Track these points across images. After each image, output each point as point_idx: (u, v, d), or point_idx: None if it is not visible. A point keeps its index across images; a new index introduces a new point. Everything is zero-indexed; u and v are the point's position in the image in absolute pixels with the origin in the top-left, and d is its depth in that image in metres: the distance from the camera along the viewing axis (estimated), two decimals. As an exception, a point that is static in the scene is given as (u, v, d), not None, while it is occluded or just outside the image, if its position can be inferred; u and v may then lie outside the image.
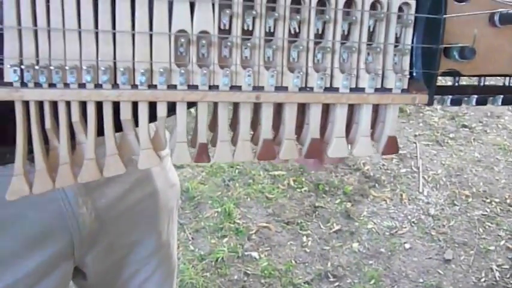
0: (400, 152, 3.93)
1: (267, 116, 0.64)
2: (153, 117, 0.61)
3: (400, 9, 0.63)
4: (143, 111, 0.60)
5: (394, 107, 0.66)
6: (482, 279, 2.98)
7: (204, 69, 0.59)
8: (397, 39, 0.64)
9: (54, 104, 0.58)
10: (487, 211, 3.55)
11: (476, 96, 0.69)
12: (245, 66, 0.61)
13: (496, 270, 3.04)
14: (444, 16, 0.62)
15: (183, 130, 0.62)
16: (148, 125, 0.61)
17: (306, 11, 0.61)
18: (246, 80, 0.60)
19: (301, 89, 0.62)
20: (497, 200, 3.66)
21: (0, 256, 0.87)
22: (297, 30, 0.62)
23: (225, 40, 0.60)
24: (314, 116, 0.65)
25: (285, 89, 0.62)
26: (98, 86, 0.57)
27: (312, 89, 0.63)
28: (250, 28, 0.60)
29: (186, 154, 0.63)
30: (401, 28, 0.64)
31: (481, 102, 0.69)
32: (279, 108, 0.65)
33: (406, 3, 0.63)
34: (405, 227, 3.39)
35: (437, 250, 3.20)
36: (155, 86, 0.59)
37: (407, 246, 3.23)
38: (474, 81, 0.70)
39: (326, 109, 0.67)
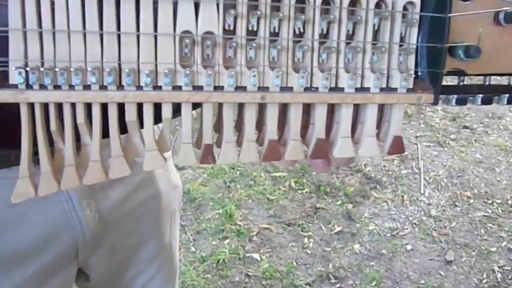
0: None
1: (272, 116, 0.63)
2: (157, 119, 0.61)
3: (405, 8, 0.63)
4: (148, 113, 0.60)
5: (399, 106, 0.66)
6: (484, 281, 2.97)
7: (209, 70, 0.59)
8: (402, 39, 0.64)
9: (59, 106, 0.58)
10: (488, 212, 3.55)
11: (481, 95, 0.69)
12: (250, 66, 0.61)
13: (498, 271, 3.04)
14: (449, 15, 0.62)
15: (188, 131, 0.62)
16: (153, 126, 0.61)
17: (310, 11, 0.61)
18: (251, 80, 0.60)
19: (306, 89, 0.62)
20: (498, 201, 3.65)
21: (5, 258, 0.87)
22: (302, 30, 0.62)
23: (229, 41, 0.60)
24: (319, 116, 0.65)
25: (290, 89, 0.62)
26: (102, 87, 0.57)
27: (317, 89, 0.63)
28: (255, 28, 0.60)
29: (191, 155, 0.63)
30: (406, 27, 0.64)
31: (486, 101, 0.69)
32: (284, 108, 0.65)
33: (411, 2, 0.62)
34: (406, 228, 3.39)
35: (438, 251, 3.19)
36: (160, 87, 0.59)
37: (408, 247, 3.23)
38: (478, 80, 0.70)
39: (331, 109, 0.67)
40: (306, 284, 2.93)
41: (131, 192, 1.04)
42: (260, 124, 0.67)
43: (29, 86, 0.55)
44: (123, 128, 0.61)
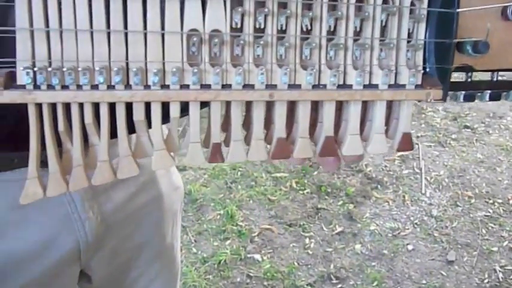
0: (402, 153, 3.95)
1: (280, 114, 0.63)
2: (165, 118, 0.60)
3: (412, 4, 0.63)
4: (156, 112, 0.59)
5: (408, 103, 0.65)
6: (486, 280, 2.98)
7: (217, 68, 0.58)
8: (409, 35, 0.64)
9: (67, 106, 0.57)
10: (489, 212, 3.55)
11: (489, 91, 0.68)
12: (258, 64, 0.60)
13: (499, 271, 3.04)
14: (457, 10, 0.62)
15: (197, 130, 0.62)
16: (161, 126, 0.61)
17: (317, 8, 0.60)
18: (259, 78, 0.60)
19: (314, 87, 0.62)
20: (500, 200, 3.66)
21: (8, 260, 0.87)
22: (309, 28, 0.61)
23: (237, 38, 0.60)
24: (328, 113, 0.64)
25: (298, 86, 0.62)
26: (110, 87, 0.57)
27: (325, 86, 0.62)
28: (262, 26, 0.60)
29: (200, 154, 0.62)
30: (413, 23, 0.64)
31: (494, 97, 0.68)
32: (292, 106, 0.65)
33: None
34: (408, 229, 3.39)
35: (440, 251, 3.20)
36: (168, 86, 0.58)
37: (410, 247, 3.23)
38: (485, 76, 0.70)
39: (339, 107, 0.66)
40: (307, 285, 2.93)
41: (133, 194, 1.04)
42: (268, 122, 0.66)
43: (36, 87, 0.55)
44: (130, 128, 0.61)
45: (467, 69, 0.67)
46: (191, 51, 0.59)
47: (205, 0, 0.57)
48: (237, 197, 3.60)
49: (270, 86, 0.61)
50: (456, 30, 0.63)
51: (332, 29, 0.62)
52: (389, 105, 0.67)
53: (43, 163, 0.59)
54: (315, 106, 0.66)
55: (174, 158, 0.64)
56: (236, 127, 0.63)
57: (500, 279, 2.98)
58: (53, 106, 0.57)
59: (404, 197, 3.69)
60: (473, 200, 3.67)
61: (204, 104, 0.61)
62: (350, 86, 0.63)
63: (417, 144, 4.33)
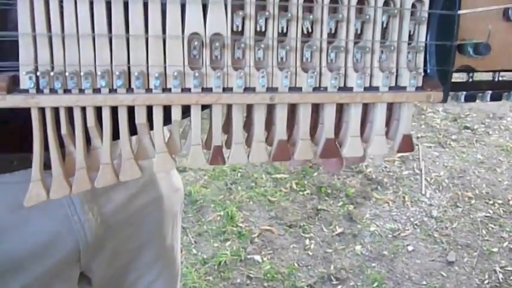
0: (402, 154, 3.95)
1: (281, 117, 0.63)
2: (167, 120, 0.61)
3: (413, 6, 0.63)
4: (158, 115, 0.60)
5: (408, 105, 0.66)
6: (486, 281, 2.98)
7: (218, 72, 0.59)
8: (410, 37, 0.64)
9: (69, 110, 0.58)
10: (490, 213, 3.56)
11: (490, 92, 0.68)
12: (259, 67, 0.60)
13: (500, 272, 3.05)
14: (458, 12, 0.62)
15: (198, 133, 0.62)
16: (163, 128, 0.61)
17: (318, 10, 0.61)
18: (260, 81, 0.60)
19: (315, 89, 0.62)
20: (500, 201, 3.66)
21: (8, 262, 0.87)
22: (310, 30, 0.61)
23: (238, 42, 0.60)
24: (328, 115, 0.64)
25: (299, 89, 0.62)
26: (112, 90, 0.57)
27: (326, 88, 0.62)
28: (263, 29, 0.60)
29: (201, 157, 0.63)
30: (414, 25, 0.64)
31: (495, 97, 0.69)
32: (292, 108, 0.65)
33: (419, 0, 0.62)
34: (408, 229, 3.40)
35: (440, 252, 3.20)
36: (169, 90, 0.58)
37: (410, 248, 3.24)
38: (486, 76, 0.70)
39: (340, 108, 0.67)
40: (307, 286, 2.94)
41: (133, 195, 1.04)
42: (269, 124, 0.66)
43: (39, 91, 0.55)
44: (132, 130, 0.61)
45: (469, 70, 0.67)
46: (192, 54, 0.59)
47: (206, 3, 0.58)
48: (237, 198, 3.60)
49: (271, 89, 0.61)
50: (457, 32, 0.63)
51: (333, 32, 0.62)
52: (390, 107, 0.67)
53: (45, 165, 0.59)
54: (316, 108, 0.66)
55: (175, 160, 0.64)
56: (237, 129, 0.63)
57: (501, 280, 2.98)
58: (56, 110, 0.57)
59: (404, 197, 3.69)
60: (473, 201, 3.67)
61: (205, 106, 0.61)
62: (351, 89, 0.63)
63: (417, 145, 4.33)
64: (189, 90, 0.59)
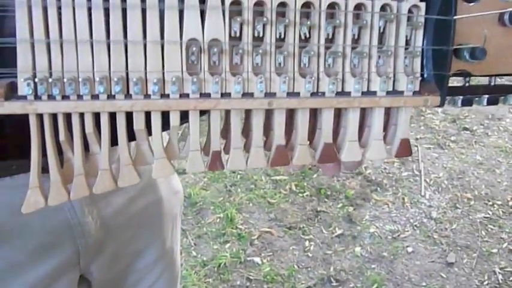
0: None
1: (279, 122, 0.64)
2: (165, 125, 0.61)
3: (410, 11, 0.63)
4: (156, 121, 0.60)
5: (406, 109, 0.66)
6: (485, 282, 2.98)
7: (216, 77, 0.59)
8: (407, 42, 0.64)
9: (67, 116, 0.58)
10: (489, 214, 3.55)
11: (487, 96, 0.69)
12: (257, 73, 0.61)
13: (499, 273, 3.04)
14: (454, 17, 0.62)
15: (196, 138, 0.62)
16: (162, 133, 0.61)
17: (316, 16, 0.61)
18: (258, 86, 0.60)
19: (313, 94, 0.62)
20: (499, 202, 3.66)
21: (8, 266, 0.87)
22: (308, 36, 0.62)
23: (236, 47, 0.60)
24: (326, 120, 0.65)
25: (297, 94, 0.62)
26: (111, 96, 0.57)
27: (323, 93, 0.63)
28: (261, 35, 0.60)
29: (199, 162, 0.63)
30: (411, 30, 0.64)
31: (492, 102, 0.69)
32: (291, 113, 0.65)
33: (416, 5, 0.63)
34: (407, 231, 3.39)
35: (439, 253, 3.20)
36: (168, 96, 0.59)
37: (409, 249, 3.23)
38: (482, 81, 0.70)
39: (338, 113, 0.67)
40: (307, 287, 2.93)
41: (133, 198, 1.04)
42: (267, 129, 0.67)
43: (37, 97, 0.55)
44: (130, 136, 0.61)
45: (465, 74, 0.67)
46: (190, 60, 0.59)
47: (204, 9, 0.58)
48: (237, 200, 3.60)
49: (269, 94, 0.61)
50: (453, 37, 0.63)
51: (330, 37, 0.63)
52: (388, 111, 0.67)
53: (43, 169, 0.59)
54: (314, 113, 0.66)
55: (174, 166, 0.64)
56: (236, 135, 0.63)
57: (500, 281, 2.98)
58: (54, 116, 0.57)
59: (403, 199, 3.69)
60: (472, 202, 3.67)
61: (204, 111, 0.61)
62: (348, 93, 0.63)
63: (416, 146, 4.33)
64: (187, 95, 0.59)
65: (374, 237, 3.32)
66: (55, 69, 0.55)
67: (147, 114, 0.60)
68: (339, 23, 0.61)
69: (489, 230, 3.40)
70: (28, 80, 0.54)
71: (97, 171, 0.61)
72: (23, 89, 0.55)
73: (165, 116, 0.60)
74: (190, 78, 0.58)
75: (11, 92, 0.55)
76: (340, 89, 0.63)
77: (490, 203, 3.66)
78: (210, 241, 3.23)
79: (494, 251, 3.21)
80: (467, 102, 0.68)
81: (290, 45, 0.61)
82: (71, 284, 0.99)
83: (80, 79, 0.56)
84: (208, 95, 0.60)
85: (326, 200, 3.63)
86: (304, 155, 0.66)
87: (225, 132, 0.67)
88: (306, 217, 3.47)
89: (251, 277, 2.98)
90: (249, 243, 3.23)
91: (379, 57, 0.64)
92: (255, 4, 0.59)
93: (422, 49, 0.65)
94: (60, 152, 0.60)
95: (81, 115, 0.58)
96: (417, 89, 0.65)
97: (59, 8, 0.54)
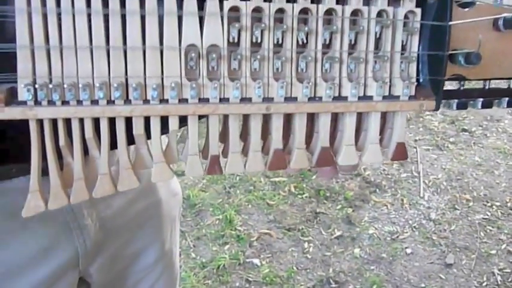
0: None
1: (277, 126, 0.64)
2: (164, 128, 0.61)
3: (406, 17, 0.64)
4: (155, 126, 0.60)
5: (402, 113, 0.67)
6: (484, 283, 2.98)
7: (215, 83, 0.59)
8: (403, 47, 0.65)
9: (67, 121, 0.58)
10: (488, 215, 3.56)
11: (481, 99, 0.70)
12: (255, 78, 0.61)
13: (498, 274, 3.05)
14: (450, 23, 0.63)
15: (195, 143, 0.63)
16: (161, 137, 0.62)
17: (313, 22, 0.61)
18: (256, 91, 0.61)
19: (310, 99, 0.63)
20: (498, 203, 3.67)
21: (7, 268, 0.87)
22: (305, 41, 0.62)
23: (234, 53, 0.60)
24: (323, 125, 0.65)
25: (295, 99, 0.63)
26: (110, 102, 0.58)
27: (321, 98, 0.63)
28: (259, 40, 0.61)
29: (198, 166, 0.63)
30: (407, 36, 0.65)
31: (486, 105, 0.70)
32: (288, 118, 0.66)
33: (412, 11, 0.63)
34: (406, 232, 3.40)
35: (438, 255, 3.20)
36: (167, 101, 0.59)
37: (408, 251, 3.24)
38: (476, 84, 0.71)
39: (335, 117, 0.67)
40: (306, 289, 2.93)
41: (132, 200, 1.04)
42: (265, 133, 0.67)
43: (37, 103, 0.56)
44: (129, 140, 0.62)
45: (460, 79, 0.68)
46: (189, 66, 0.60)
47: (203, 15, 0.58)
48: (236, 202, 3.60)
49: (267, 99, 0.62)
50: (449, 42, 0.64)
51: (327, 43, 0.63)
52: (384, 115, 0.68)
53: (44, 172, 0.60)
54: (311, 117, 0.67)
55: (173, 170, 0.65)
56: (234, 139, 0.64)
57: (499, 282, 2.98)
58: (54, 121, 0.58)
59: (402, 200, 3.69)
60: (471, 203, 3.67)
61: (202, 116, 0.62)
62: (345, 98, 0.64)
63: (415, 147, 4.34)
64: (186, 101, 0.60)
65: (373, 239, 3.32)
66: (55, 75, 0.56)
67: (146, 119, 0.60)
68: (335, 29, 0.62)
69: (488, 231, 3.41)
70: (28, 86, 0.55)
71: (97, 176, 0.61)
72: (23, 94, 0.55)
73: (164, 119, 0.61)
74: (189, 84, 0.59)
75: (11, 98, 0.55)
76: (337, 94, 0.64)
77: (489, 204, 3.66)
78: (209, 243, 3.24)
79: (493, 252, 3.21)
80: (462, 106, 0.69)
81: (288, 51, 0.62)
82: (70, 286, 1.00)
83: (80, 85, 0.56)
84: (207, 100, 0.60)
85: (325, 201, 3.64)
86: (302, 159, 0.66)
87: (224, 136, 0.67)
88: (305, 218, 3.48)
89: (250, 279, 2.98)
90: (248, 245, 3.23)
91: (375, 62, 0.65)
92: (253, 10, 0.59)
93: (418, 54, 0.65)
94: (60, 156, 0.61)
95: (81, 120, 0.58)
96: (413, 93, 0.65)
97: (59, 14, 0.55)
